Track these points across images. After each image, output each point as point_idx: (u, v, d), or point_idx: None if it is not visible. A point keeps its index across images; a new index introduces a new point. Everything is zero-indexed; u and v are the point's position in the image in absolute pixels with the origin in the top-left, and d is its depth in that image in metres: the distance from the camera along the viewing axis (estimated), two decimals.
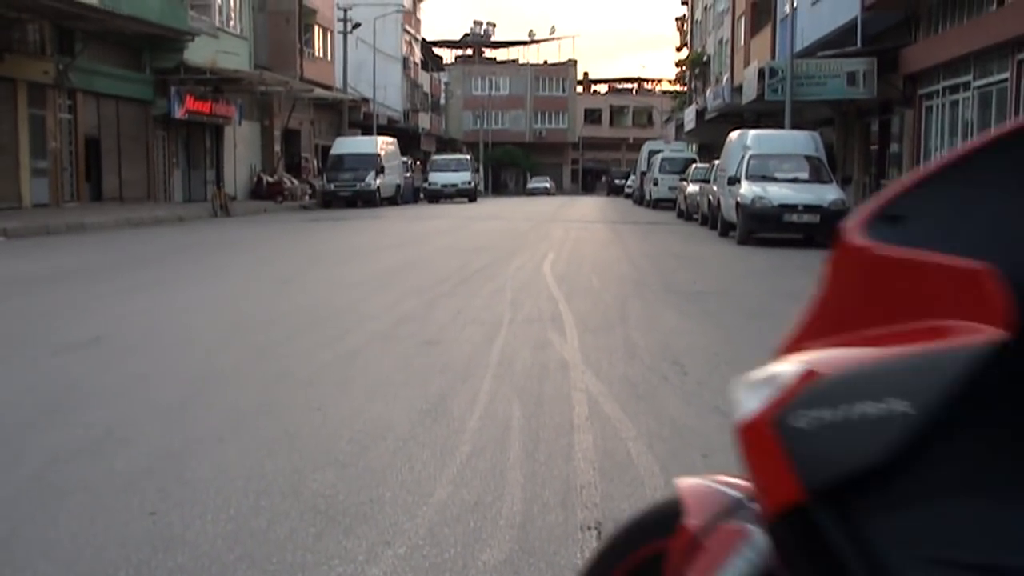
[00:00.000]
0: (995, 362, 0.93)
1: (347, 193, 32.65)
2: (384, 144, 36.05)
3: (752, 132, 19.36)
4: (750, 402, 1.09)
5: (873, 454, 0.97)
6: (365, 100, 44.94)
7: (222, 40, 30.94)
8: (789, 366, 1.09)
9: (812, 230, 14.92)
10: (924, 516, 0.98)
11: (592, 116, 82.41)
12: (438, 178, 42.34)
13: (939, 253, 1.00)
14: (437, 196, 41.51)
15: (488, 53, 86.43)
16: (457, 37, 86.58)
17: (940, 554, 0.96)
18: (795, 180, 16.10)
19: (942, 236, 1.02)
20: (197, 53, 28.21)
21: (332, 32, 42.81)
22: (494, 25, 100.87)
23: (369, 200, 32.70)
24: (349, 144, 35.44)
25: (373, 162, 33.73)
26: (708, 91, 40.80)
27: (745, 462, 1.10)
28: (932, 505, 0.98)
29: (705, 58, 47.62)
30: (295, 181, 35.90)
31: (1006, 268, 0.95)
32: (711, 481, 1.28)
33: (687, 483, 1.30)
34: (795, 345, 1.13)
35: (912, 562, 0.96)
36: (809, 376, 1.04)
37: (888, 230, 1.06)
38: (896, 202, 1.09)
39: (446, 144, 68.05)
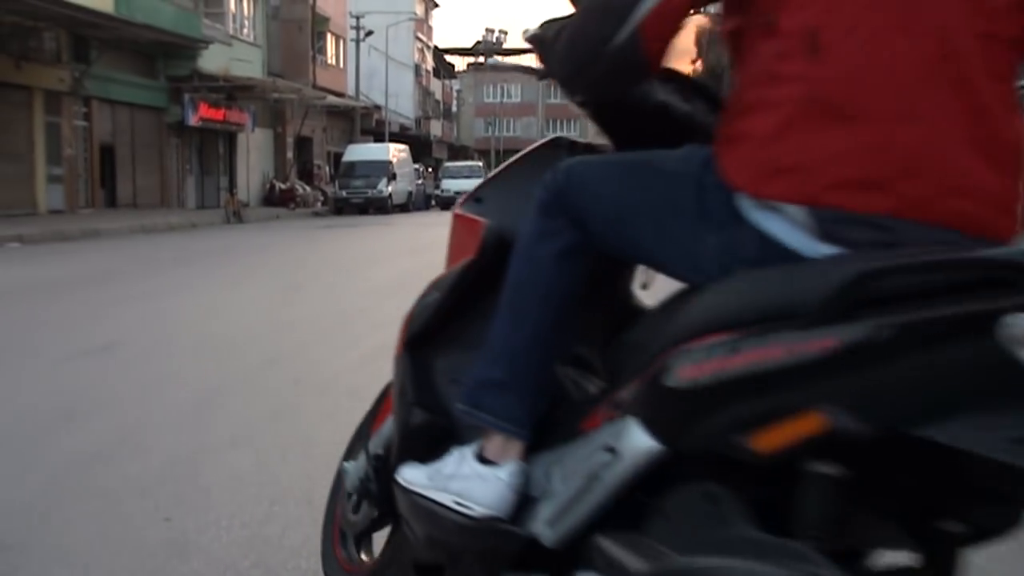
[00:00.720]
0: (469, 272, 1.74)
1: (359, 200, 32.71)
2: (396, 151, 36.15)
3: None
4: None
5: (422, 321, 1.78)
6: (377, 107, 45.13)
7: (235, 48, 31.12)
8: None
9: None
10: (449, 358, 1.74)
11: None
12: (451, 185, 42.38)
13: (478, 217, 1.77)
14: (449, 203, 41.56)
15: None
16: (469, 44, 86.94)
17: (452, 377, 1.70)
18: None
19: (490, 208, 1.78)
20: (211, 61, 28.38)
21: (345, 40, 43.02)
22: (506, 33, 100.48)
23: (381, 207, 32.76)
24: (361, 151, 35.55)
25: (385, 169, 33.81)
26: None
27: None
28: (451, 351, 1.74)
29: (719, 71, 47.59)
30: (307, 188, 36.04)
31: (493, 222, 1.73)
32: None
33: None
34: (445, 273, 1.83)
35: (444, 383, 1.72)
36: (428, 289, 1.82)
37: (473, 205, 1.82)
38: (480, 188, 1.86)
39: (458, 151, 68.21)
